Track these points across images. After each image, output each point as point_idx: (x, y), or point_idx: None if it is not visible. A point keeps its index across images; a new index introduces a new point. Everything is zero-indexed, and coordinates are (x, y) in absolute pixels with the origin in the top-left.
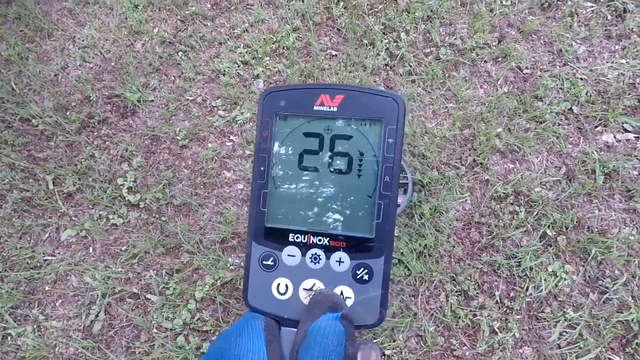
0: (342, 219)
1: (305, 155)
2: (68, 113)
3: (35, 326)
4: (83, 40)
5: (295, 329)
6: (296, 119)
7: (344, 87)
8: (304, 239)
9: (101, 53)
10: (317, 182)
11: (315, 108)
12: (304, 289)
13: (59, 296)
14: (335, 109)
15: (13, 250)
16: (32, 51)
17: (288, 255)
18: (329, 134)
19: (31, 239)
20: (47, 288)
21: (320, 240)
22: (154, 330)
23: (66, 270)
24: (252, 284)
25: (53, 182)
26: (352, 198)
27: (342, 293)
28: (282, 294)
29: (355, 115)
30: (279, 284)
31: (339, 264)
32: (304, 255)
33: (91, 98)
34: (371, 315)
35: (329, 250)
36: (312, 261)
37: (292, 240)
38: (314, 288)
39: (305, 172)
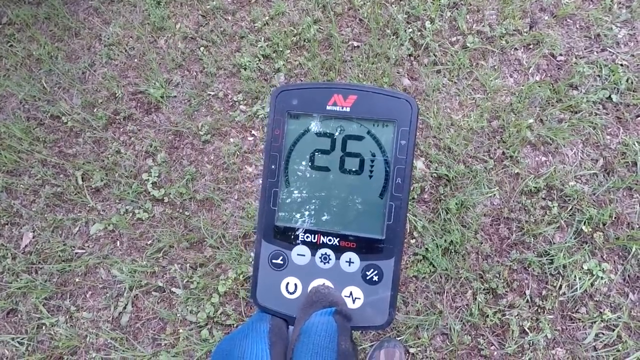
0: (352, 219)
1: (316, 154)
2: (95, 110)
3: (67, 317)
4: (108, 38)
5: None
6: (308, 119)
7: (357, 87)
8: (314, 239)
9: (126, 50)
10: (328, 182)
11: (328, 108)
12: None
13: (89, 288)
14: (348, 109)
15: (46, 244)
16: (61, 50)
17: (298, 254)
18: (341, 134)
19: (62, 232)
20: (77, 280)
21: (330, 240)
22: (179, 323)
23: (95, 263)
24: (261, 282)
25: (82, 178)
26: (363, 199)
27: (351, 293)
28: (291, 293)
29: (367, 116)
30: (288, 283)
31: (349, 265)
32: (313, 254)
33: (117, 95)
34: (380, 316)
35: (339, 250)
36: (321, 261)
37: (302, 239)
38: None
39: (317, 172)
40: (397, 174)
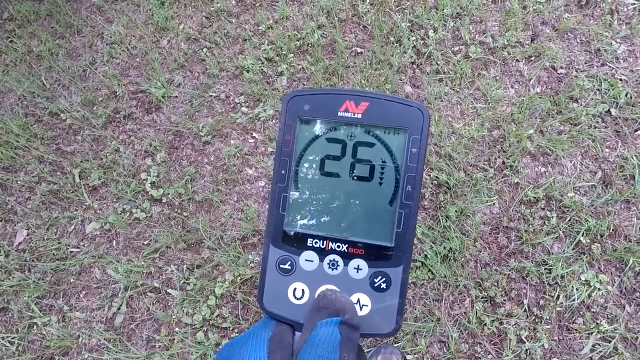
0: (361, 226)
1: (327, 160)
2: (95, 108)
3: (60, 316)
4: (111, 37)
5: None
6: (320, 124)
7: (369, 94)
8: (323, 245)
9: (128, 49)
10: (338, 188)
11: (340, 114)
12: None
13: (83, 288)
14: (359, 115)
15: (40, 242)
16: (62, 47)
17: (306, 260)
18: (352, 140)
19: (58, 230)
20: (71, 279)
21: (338, 246)
22: (174, 325)
23: (90, 262)
24: (268, 287)
25: (79, 176)
26: (372, 206)
27: (358, 300)
28: (298, 299)
29: (379, 123)
30: (295, 289)
31: (357, 271)
32: (321, 260)
33: (117, 93)
34: (387, 324)
35: (347, 256)
36: (329, 267)
37: (311, 245)
38: None
39: (327, 178)
40: (407, 182)
